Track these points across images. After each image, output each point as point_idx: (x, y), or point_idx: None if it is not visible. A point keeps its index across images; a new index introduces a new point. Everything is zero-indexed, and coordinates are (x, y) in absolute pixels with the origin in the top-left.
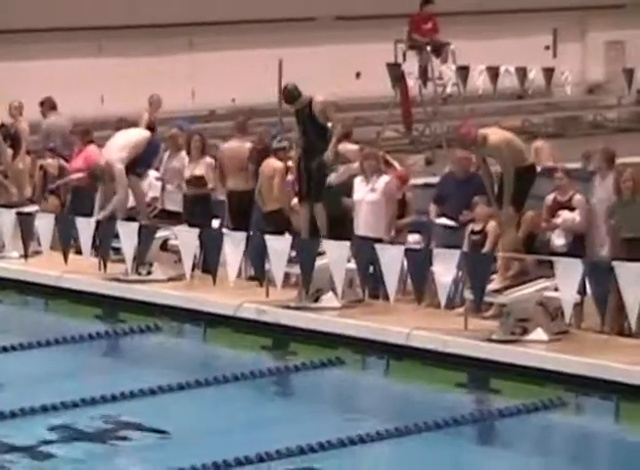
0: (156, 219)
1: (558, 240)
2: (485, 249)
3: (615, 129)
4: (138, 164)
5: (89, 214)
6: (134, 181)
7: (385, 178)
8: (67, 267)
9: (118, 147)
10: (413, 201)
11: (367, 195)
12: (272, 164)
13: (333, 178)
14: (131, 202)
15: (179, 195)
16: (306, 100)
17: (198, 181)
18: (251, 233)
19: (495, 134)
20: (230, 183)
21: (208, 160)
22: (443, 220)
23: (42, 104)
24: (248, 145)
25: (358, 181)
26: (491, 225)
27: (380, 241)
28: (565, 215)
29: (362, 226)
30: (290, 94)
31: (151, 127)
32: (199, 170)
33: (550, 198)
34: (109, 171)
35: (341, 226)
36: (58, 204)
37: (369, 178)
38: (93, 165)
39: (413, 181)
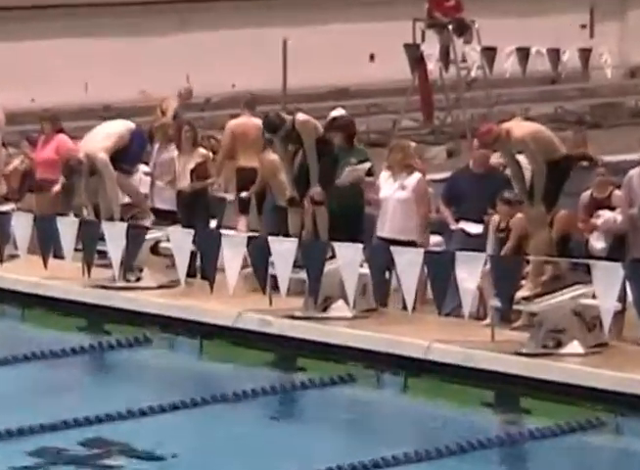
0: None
1: (597, 243)
2: (508, 244)
3: None
4: (124, 158)
5: (59, 214)
6: (122, 179)
7: (417, 175)
8: (46, 273)
9: (101, 137)
10: (433, 198)
11: (396, 192)
12: (272, 159)
13: (340, 180)
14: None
15: (171, 192)
16: (290, 125)
17: (197, 173)
18: (259, 232)
19: (519, 127)
20: (241, 160)
21: (202, 151)
22: (464, 225)
23: None
24: (258, 121)
25: (385, 177)
26: (516, 218)
27: (411, 244)
28: (605, 216)
29: (388, 227)
30: (270, 124)
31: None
32: (191, 165)
33: (586, 195)
34: (89, 164)
35: (350, 225)
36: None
37: (396, 174)
38: (69, 157)
39: (432, 176)
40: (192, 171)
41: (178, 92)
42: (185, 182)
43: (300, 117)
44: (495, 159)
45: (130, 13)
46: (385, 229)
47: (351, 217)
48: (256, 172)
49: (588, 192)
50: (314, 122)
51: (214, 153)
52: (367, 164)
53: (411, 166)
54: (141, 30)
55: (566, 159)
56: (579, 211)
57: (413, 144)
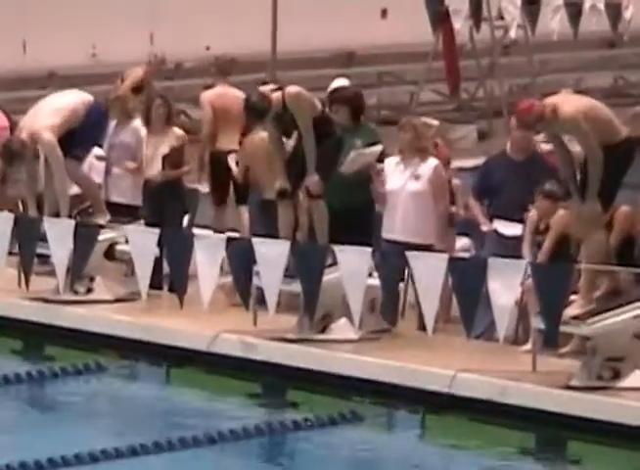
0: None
1: None
2: (545, 247)
3: None
4: (77, 140)
5: None
6: (72, 166)
7: (433, 161)
8: None
9: (48, 112)
10: (461, 189)
11: (408, 183)
12: (258, 141)
13: (343, 168)
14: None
15: (130, 181)
16: (279, 103)
17: (171, 160)
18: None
19: (569, 103)
20: (219, 142)
21: (177, 132)
22: (499, 225)
23: None
24: (238, 92)
25: (392, 164)
26: (558, 216)
27: (428, 248)
28: None
29: (399, 227)
30: (254, 109)
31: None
32: (164, 148)
33: None
34: (31, 147)
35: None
36: None
37: (408, 160)
38: (9, 141)
39: (459, 163)
40: (164, 157)
41: (148, 58)
42: (155, 170)
43: (292, 90)
44: (539, 142)
45: None
46: (394, 230)
47: (357, 215)
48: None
49: None
50: (310, 97)
51: (187, 132)
52: (377, 148)
53: (425, 151)
54: None
55: (627, 142)
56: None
57: (435, 122)
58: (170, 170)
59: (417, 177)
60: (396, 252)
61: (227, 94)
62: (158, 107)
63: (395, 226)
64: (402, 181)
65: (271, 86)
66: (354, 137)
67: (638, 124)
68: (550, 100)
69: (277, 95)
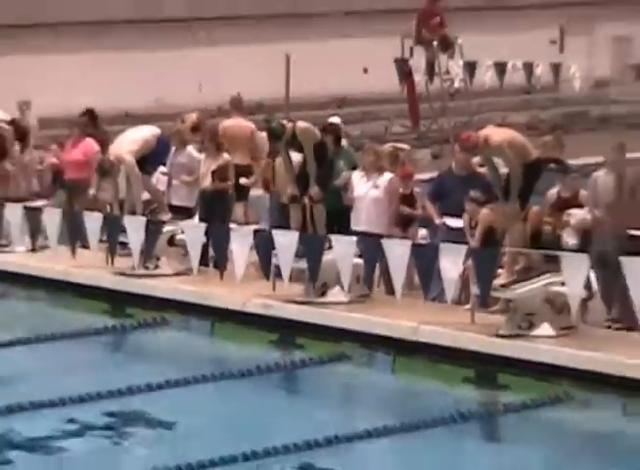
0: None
1: (570, 239)
2: (476, 238)
3: (621, 125)
4: (148, 161)
5: (87, 209)
6: (145, 179)
7: (388, 175)
8: (74, 262)
9: (129, 142)
10: (421, 195)
11: (370, 191)
12: (278, 163)
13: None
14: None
15: (185, 190)
16: (291, 132)
17: (218, 175)
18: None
19: (497, 134)
20: (235, 159)
21: (225, 156)
22: (448, 220)
23: None
24: (247, 123)
25: (358, 177)
26: (481, 214)
27: (381, 236)
28: (578, 216)
29: (364, 221)
30: (273, 132)
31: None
32: (214, 167)
33: (553, 193)
34: (118, 167)
35: (340, 221)
36: (65, 197)
37: (369, 175)
38: (102, 161)
39: (419, 176)
40: (213, 173)
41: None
42: (207, 182)
43: (301, 124)
44: (476, 163)
45: (148, 30)
46: (360, 224)
47: (341, 213)
48: (248, 169)
49: (554, 191)
50: (313, 129)
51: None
52: (350, 174)
53: (382, 168)
54: (158, 45)
55: (537, 162)
56: (546, 208)
57: (406, 146)
58: (218, 183)
59: (376, 187)
60: (378, 240)
61: (237, 125)
62: (209, 139)
63: (361, 221)
64: (365, 190)
65: (285, 121)
66: (338, 158)
67: (545, 149)
68: (483, 132)
69: (290, 125)
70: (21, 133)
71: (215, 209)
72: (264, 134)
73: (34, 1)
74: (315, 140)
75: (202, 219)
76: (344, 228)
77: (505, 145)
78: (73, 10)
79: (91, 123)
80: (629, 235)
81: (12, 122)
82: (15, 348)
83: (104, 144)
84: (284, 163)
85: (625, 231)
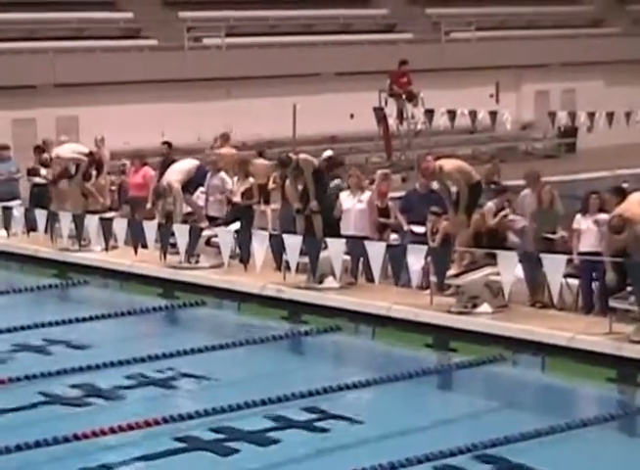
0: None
1: (514, 238)
2: (437, 241)
3: (541, 156)
4: (190, 184)
5: (146, 219)
6: (188, 198)
7: (368, 193)
8: (136, 258)
9: (176, 172)
10: (393, 208)
11: (356, 205)
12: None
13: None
14: (186, 209)
15: (219, 205)
16: (295, 162)
17: (246, 194)
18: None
19: (448, 163)
20: None
21: (251, 180)
22: (413, 227)
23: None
24: (232, 150)
25: (345, 195)
26: (442, 224)
27: (367, 238)
28: (520, 222)
29: (352, 228)
30: (282, 162)
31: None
32: (242, 187)
33: (491, 206)
34: (169, 190)
35: (332, 228)
36: (129, 210)
37: (355, 192)
38: (157, 186)
39: (392, 194)
40: (242, 193)
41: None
42: (237, 198)
43: (302, 156)
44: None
45: (192, 85)
46: (349, 230)
47: (333, 222)
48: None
49: (492, 203)
50: (312, 159)
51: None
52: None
53: (363, 187)
54: (200, 98)
55: (479, 183)
56: (487, 215)
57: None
58: (245, 200)
59: (360, 201)
60: (361, 242)
61: (227, 154)
62: (239, 167)
63: (350, 227)
64: (352, 204)
65: (291, 154)
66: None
67: (487, 174)
68: (438, 162)
69: (295, 157)
70: (97, 162)
71: (242, 218)
72: (262, 162)
73: (111, 66)
74: (313, 167)
75: (225, 224)
76: (336, 233)
77: (454, 171)
78: (142, 71)
79: (169, 150)
80: (546, 238)
81: (89, 154)
82: (93, 322)
83: (170, 164)
84: (290, 184)
85: (543, 234)
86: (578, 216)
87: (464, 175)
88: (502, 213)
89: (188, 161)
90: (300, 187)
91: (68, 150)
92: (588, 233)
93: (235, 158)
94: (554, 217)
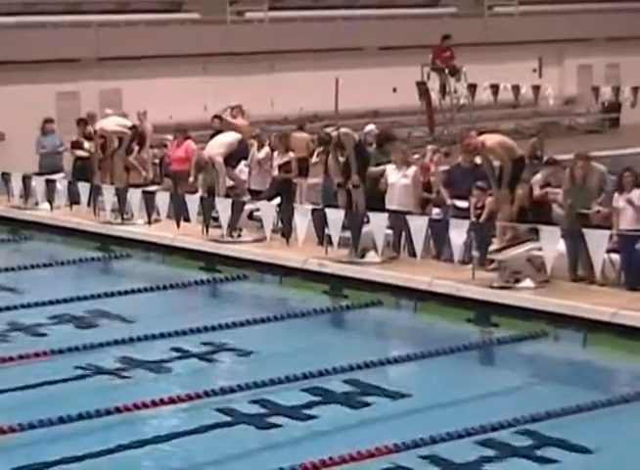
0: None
1: (560, 210)
2: (483, 217)
3: (583, 131)
4: (232, 158)
5: (188, 192)
6: (230, 171)
7: (413, 168)
8: (179, 231)
9: (218, 145)
10: (436, 183)
11: (400, 180)
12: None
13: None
14: (228, 183)
15: (262, 178)
16: (336, 138)
17: (285, 168)
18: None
19: (491, 139)
20: None
21: (291, 154)
22: (456, 201)
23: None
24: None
25: (391, 169)
26: (488, 200)
27: (410, 213)
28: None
29: (396, 202)
30: (322, 140)
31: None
32: (283, 161)
33: (539, 177)
34: (210, 163)
35: (376, 202)
36: (171, 184)
37: (400, 167)
38: (199, 159)
39: (434, 169)
40: (280, 166)
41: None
42: (276, 173)
43: (343, 130)
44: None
45: (234, 59)
46: (393, 203)
47: (377, 196)
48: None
49: (539, 176)
50: (353, 134)
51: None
52: (382, 168)
53: (409, 163)
54: (243, 72)
55: (522, 158)
56: (534, 186)
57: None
58: (283, 173)
59: (405, 176)
60: (403, 216)
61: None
62: (280, 141)
63: (393, 201)
64: (397, 178)
65: (332, 128)
66: (380, 155)
67: (528, 149)
68: (480, 138)
69: (335, 133)
70: (140, 136)
71: (282, 192)
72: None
73: (154, 39)
74: (354, 142)
75: (267, 199)
76: (381, 207)
77: (497, 146)
78: (184, 45)
79: (220, 122)
80: (580, 213)
81: (133, 127)
82: (136, 295)
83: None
84: (332, 160)
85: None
86: (616, 195)
87: (507, 151)
88: (547, 189)
89: (230, 134)
90: (342, 160)
91: (111, 123)
92: (625, 211)
93: (248, 129)
94: (588, 193)
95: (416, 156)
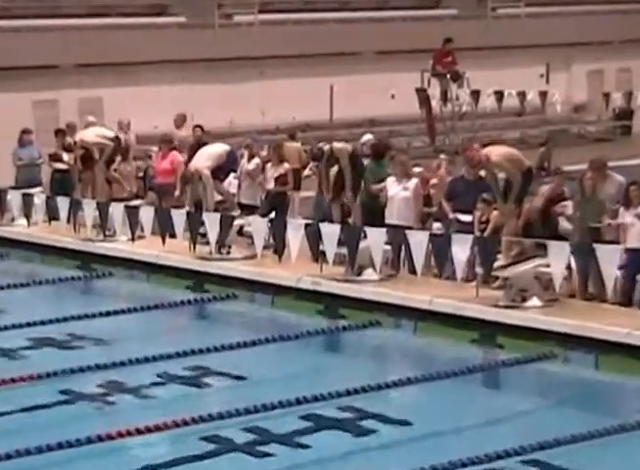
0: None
1: (565, 224)
2: (487, 231)
3: (594, 140)
4: (220, 171)
5: (174, 207)
6: (218, 184)
7: (414, 180)
8: (164, 248)
9: (205, 157)
10: (437, 196)
11: (400, 192)
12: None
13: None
14: (217, 197)
15: (252, 191)
16: (329, 152)
17: (280, 180)
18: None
19: (496, 152)
20: None
21: (286, 166)
22: (459, 215)
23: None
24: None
25: (391, 181)
26: (493, 214)
27: (410, 228)
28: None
29: (395, 216)
30: (314, 155)
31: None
32: (278, 173)
33: (546, 188)
34: (197, 176)
35: (374, 216)
36: (156, 198)
37: (400, 179)
38: (185, 171)
39: (435, 181)
40: (276, 179)
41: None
42: (271, 186)
43: (336, 144)
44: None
45: (222, 65)
46: (392, 218)
47: (376, 210)
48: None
49: (546, 188)
50: (346, 146)
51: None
52: (382, 184)
53: (409, 175)
54: (230, 78)
55: (530, 169)
56: (542, 199)
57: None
58: (279, 186)
59: (405, 189)
60: (402, 231)
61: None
62: (274, 152)
63: (393, 215)
64: (397, 191)
65: (324, 143)
66: (377, 168)
67: (536, 160)
68: (484, 151)
69: (327, 147)
70: (123, 147)
71: (276, 206)
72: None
73: (137, 44)
74: (348, 154)
75: (263, 215)
76: (379, 221)
77: (503, 160)
78: (170, 50)
79: (202, 134)
80: (591, 227)
81: (115, 139)
82: (119, 316)
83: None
84: (323, 177)
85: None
86: (622, 210)
87: (514, 163)
88: (562, 204)
89: (218, 145)
90: (333, 174)
91: (92, 134)
92: (633, 228)
93: (192, 140)
94: (598, 205)
95: (417, 169)
